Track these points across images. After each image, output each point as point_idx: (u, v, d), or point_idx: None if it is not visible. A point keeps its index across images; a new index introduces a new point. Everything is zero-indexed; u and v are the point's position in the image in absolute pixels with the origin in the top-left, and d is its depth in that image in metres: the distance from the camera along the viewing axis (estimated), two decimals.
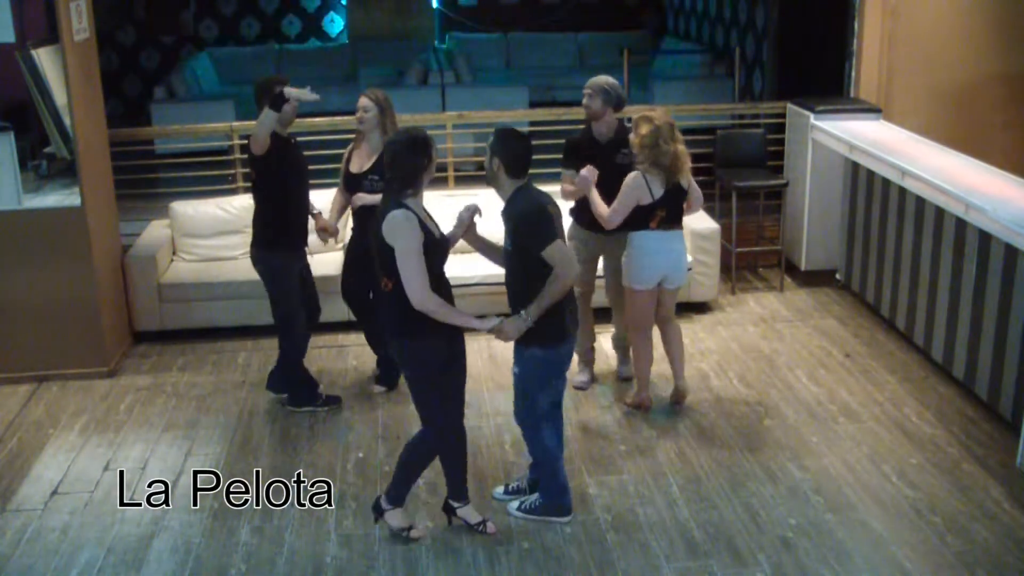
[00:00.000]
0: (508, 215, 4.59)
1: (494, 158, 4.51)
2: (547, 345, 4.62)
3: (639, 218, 5.62)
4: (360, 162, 5.96)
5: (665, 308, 5.91)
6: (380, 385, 6.32)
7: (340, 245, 7.03)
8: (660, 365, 6.26)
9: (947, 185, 5.92)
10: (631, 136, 5.63)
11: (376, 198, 5.81)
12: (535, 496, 4.95)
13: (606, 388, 6.26)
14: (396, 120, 5.96)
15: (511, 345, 4.71)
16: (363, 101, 5.89)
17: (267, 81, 5.72)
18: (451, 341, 4.54)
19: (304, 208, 5.93)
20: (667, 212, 5.63)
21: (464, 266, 6.93)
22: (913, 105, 7.90)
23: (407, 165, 4.39)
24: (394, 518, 4.78)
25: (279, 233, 5.79)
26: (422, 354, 4.51)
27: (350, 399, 6.21)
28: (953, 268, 6.09)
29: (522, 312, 4.51)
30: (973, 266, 5.87)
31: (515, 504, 4.98)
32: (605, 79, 5.88)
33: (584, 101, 5.88)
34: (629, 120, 5.90)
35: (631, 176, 5.58)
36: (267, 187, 5.73)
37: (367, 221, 5.83)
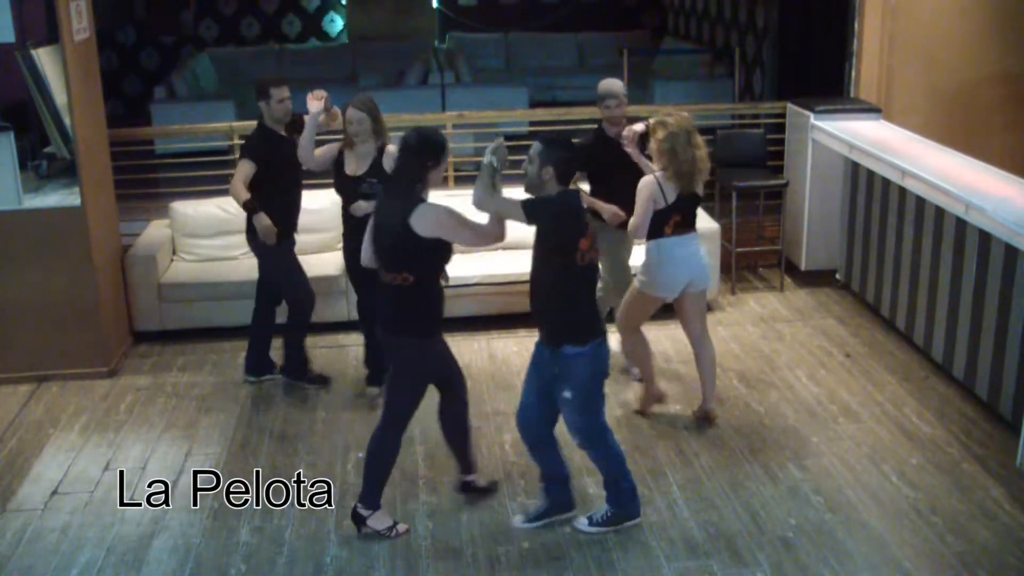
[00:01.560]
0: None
1: (546, 167, 4.46)
2: (588, 341, 4.56)
3: (654, 225, 5.50)
4: (354, 165, 5.86)
5: (699, 319, 5.77)
6: (374, 387, 6.29)
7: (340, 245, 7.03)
8: (662, 365, 6.25)
9: (947, 185, 5.92)
10: (651, 143, 5.54)
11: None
12: (605, 508, 4.85)
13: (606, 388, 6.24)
14: (384, 122, 5.96)
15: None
16: (354, 114, 5.77)
17: (261, 81, 6.01)
18: None
19: (294, 199, 6.14)
20: (682, 217, 5.51)
21: (464, 266, 6.93)
22: (913, 105, 7.90)
23: (416, 163, 4.51)
24: (377, 521, 4.78)
25: (274, 222, 5.99)
26: (428, 354, 4.66)
27: (350, 399, 6.21)
28: (953, 268, 6.09)
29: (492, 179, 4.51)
30: (973, 266, 5.86)
31: (584, 521, 4.85)
32: (621, 84, 5.92)
33: (615, 112, 5.85)
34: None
35: (645, 182, 5.49)
36: (263, 181, 5.97)
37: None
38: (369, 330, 6.14)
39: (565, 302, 4.54)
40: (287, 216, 6.15)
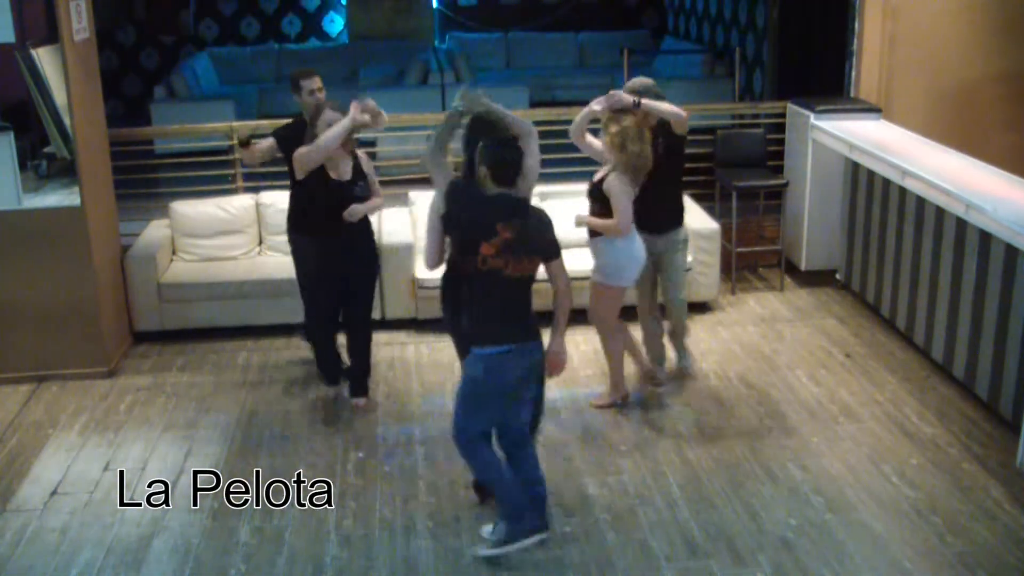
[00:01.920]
0: None
1: (480, 165, 4.48)
2: (484, 346, 4.46)
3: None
4: (337, 170, 5.75)
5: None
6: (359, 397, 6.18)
7: None
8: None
9: (947, 185, 5.92)
10: (603, 137, 5.65)
11: (370, 205, 5.85)
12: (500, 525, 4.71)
13: (604, 388, 6.25)
14: None
15: None
16: (336, 118, 5.66)
17: (293, 74, 6.15)
18: None
19: (326, 197, 5.85)
20: (636, 211, 5.67)
21: None
22: (913, 105, 7.90)
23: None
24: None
25: (296, 216, 6.01)
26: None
27: (350, 400, 6.21)
28: (953, 268, 6.09)
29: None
30: (973, 266, 5.87)
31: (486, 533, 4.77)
32: (644, 82, 5.94)
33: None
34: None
35: (613, 180, 5.57)
36: (292, 177, 5.98)
37: (359, 232, 5.86)
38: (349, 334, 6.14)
39: (470, 300, 4.52)
40: (317, 212, 5.87)
